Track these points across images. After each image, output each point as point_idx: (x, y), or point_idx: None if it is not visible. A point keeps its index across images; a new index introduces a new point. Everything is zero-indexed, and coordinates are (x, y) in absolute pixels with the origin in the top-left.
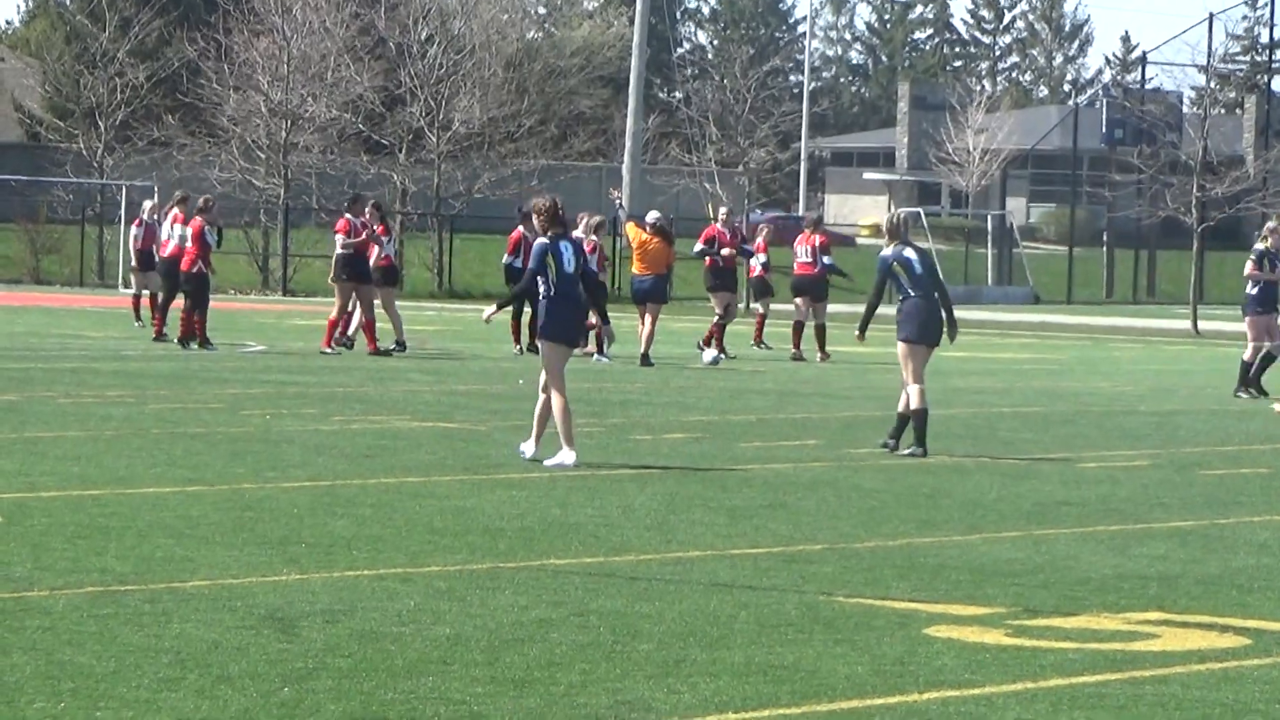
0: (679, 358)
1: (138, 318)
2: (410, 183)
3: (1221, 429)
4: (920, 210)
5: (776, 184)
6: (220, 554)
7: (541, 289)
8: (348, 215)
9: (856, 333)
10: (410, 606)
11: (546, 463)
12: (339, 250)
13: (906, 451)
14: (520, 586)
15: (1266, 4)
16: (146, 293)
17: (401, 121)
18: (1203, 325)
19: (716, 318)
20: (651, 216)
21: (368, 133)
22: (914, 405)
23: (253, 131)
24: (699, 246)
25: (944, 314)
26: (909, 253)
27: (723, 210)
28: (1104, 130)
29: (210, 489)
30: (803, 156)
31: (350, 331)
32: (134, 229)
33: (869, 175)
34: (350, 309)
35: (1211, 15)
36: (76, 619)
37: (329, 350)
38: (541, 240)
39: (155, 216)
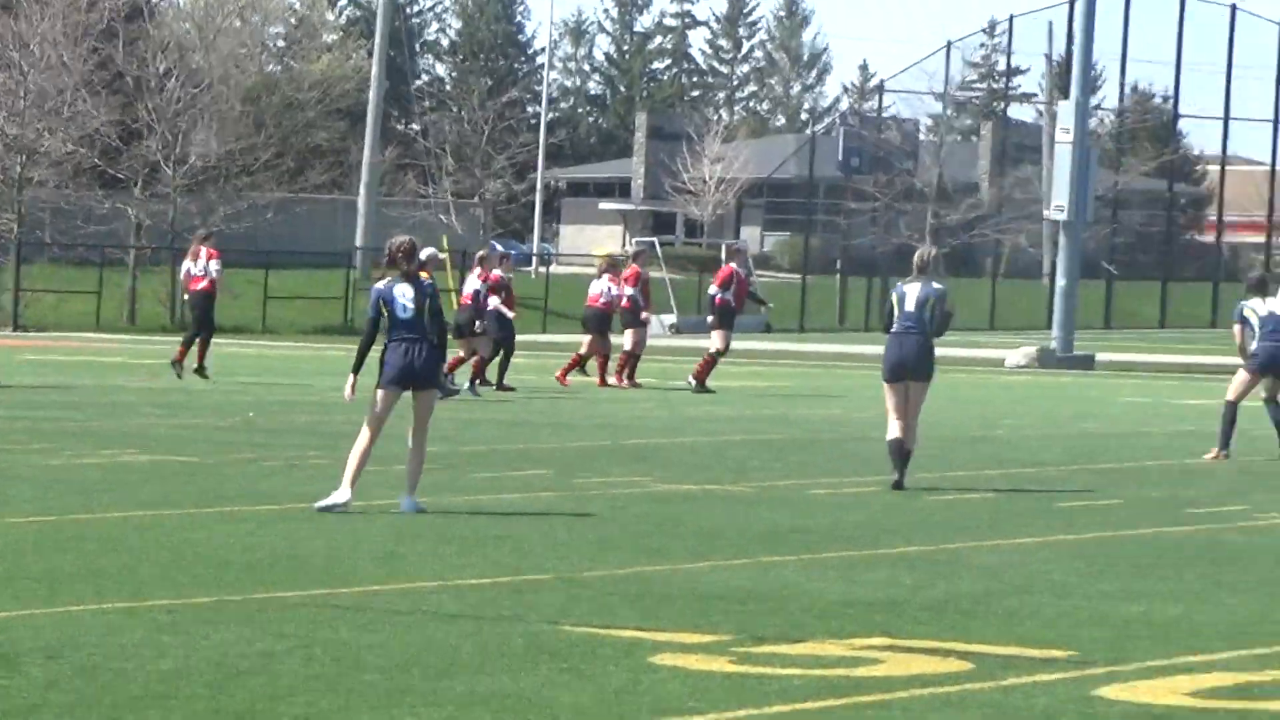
0: None
1: None
2: (146, 217)
3: (949, 455)
4: (655, 240)
5: (512, 215)
6: None
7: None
8: None
9: None
10: (134, 640)
11: (317, 504)
12: None
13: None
14: (245, 619)
15: (1003, 32)
16: None
17: (138, 155)
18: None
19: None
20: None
21: (104, 167)
22: (889, 435)
23: None
24: (715, 289)
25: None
26: (907, 287)
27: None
28: (840, 158)
29: None
30: (539, 187)
31: None
32: None
33: (604, 205)
34: None
35: (949, 43)
36: None
37: None
38: (377, 286)
39: None
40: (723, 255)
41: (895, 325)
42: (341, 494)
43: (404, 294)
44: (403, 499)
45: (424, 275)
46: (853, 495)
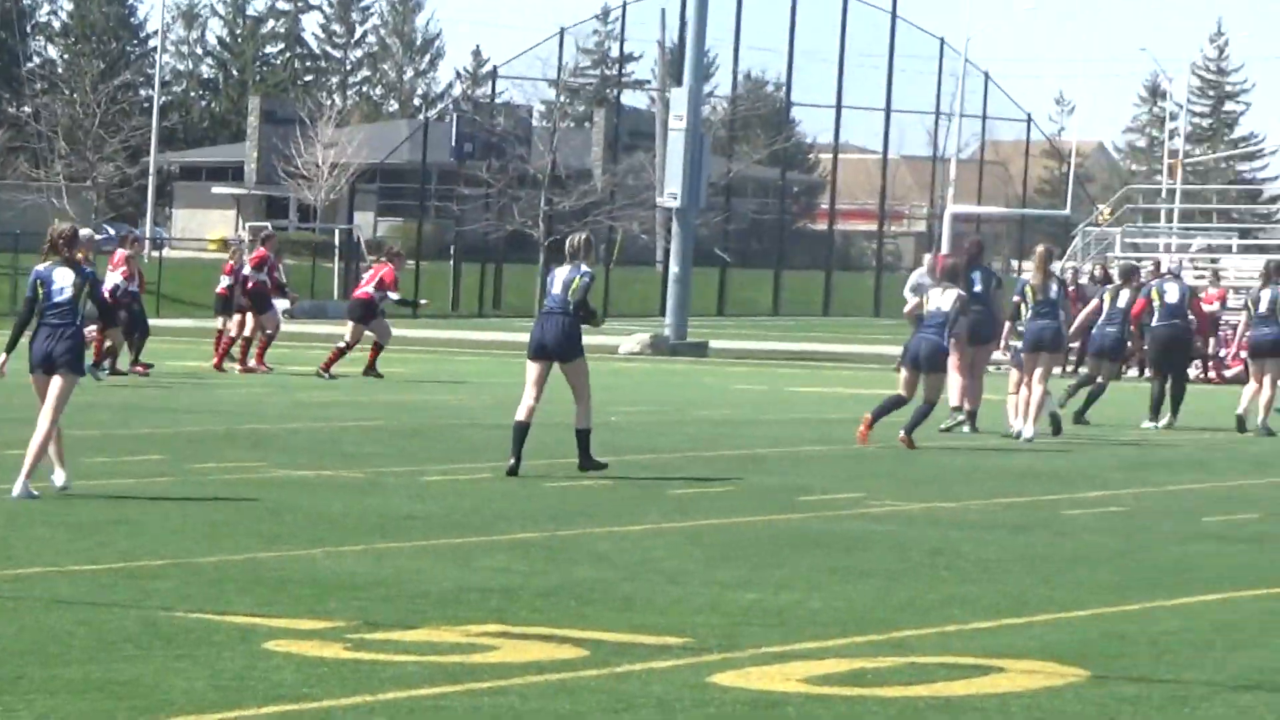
0: None
1: None
2: None
3: (564, 441)
4: (268, 224)
5: (125, 199)
6: None
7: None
8: None
9: None
10: None
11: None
12: None
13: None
14: None
15: (617, 19)
16: None
17: None
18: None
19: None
20: None
21: None
22: (517, 415)
23: None
24: (380, 293)
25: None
26: (557, 270)
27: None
28: (453, 144)
29: None
30: (151, 171)
31: None
32: None
33: (217, 189)
34: None
35: (563, 30)
36: None
37: None
38: (37, 268)
39: None
40: (382, 256)
41: (543, 306)
42: (58, 477)
43: (63, 277)
44: (16, 483)
45: (81, 257)
46: (467, 481)
